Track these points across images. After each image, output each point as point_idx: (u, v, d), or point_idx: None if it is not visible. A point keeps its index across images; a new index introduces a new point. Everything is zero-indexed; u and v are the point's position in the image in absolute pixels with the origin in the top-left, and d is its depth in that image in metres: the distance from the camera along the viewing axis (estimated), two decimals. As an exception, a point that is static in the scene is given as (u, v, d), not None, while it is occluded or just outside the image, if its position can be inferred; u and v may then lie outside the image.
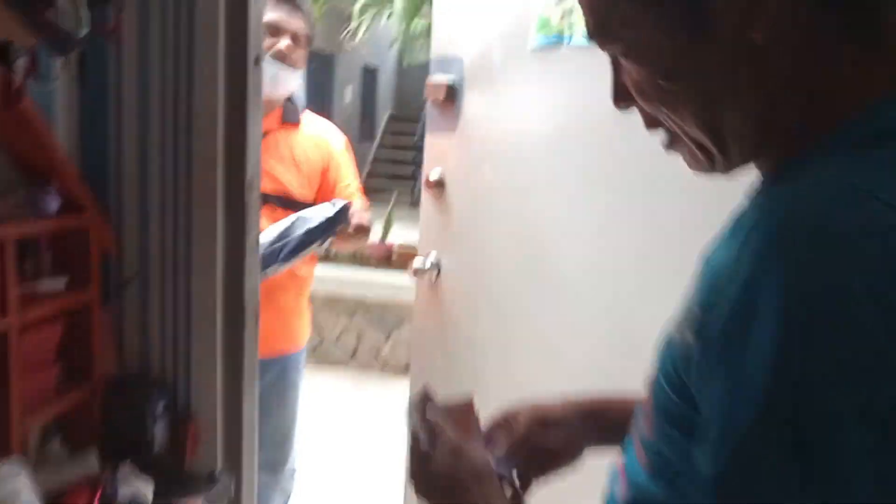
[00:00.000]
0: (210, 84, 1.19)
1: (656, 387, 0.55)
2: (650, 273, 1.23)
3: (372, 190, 3.48)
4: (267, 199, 1.58)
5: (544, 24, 1.37)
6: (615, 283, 1.30)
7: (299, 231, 1.62)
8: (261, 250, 1.41)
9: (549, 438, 0.75)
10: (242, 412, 1.31)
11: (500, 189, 1.50)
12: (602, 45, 0.55)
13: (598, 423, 0.76)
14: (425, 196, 1.70)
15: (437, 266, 1.67)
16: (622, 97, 0.56)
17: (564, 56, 1.34)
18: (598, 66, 1.25)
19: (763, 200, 0.48)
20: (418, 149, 7.99)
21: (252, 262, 1.29)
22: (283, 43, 1.67)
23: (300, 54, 1.72)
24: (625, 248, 1.28)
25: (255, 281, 1.31)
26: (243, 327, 1.29)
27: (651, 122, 0.56)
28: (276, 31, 1.66)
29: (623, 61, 0.54)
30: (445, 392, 0.73)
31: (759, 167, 0.54)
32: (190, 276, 1.24)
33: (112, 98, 1.22)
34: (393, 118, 11.99)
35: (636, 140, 1.22)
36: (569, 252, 1.38)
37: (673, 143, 0.56)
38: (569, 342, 1.38)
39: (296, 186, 1.75)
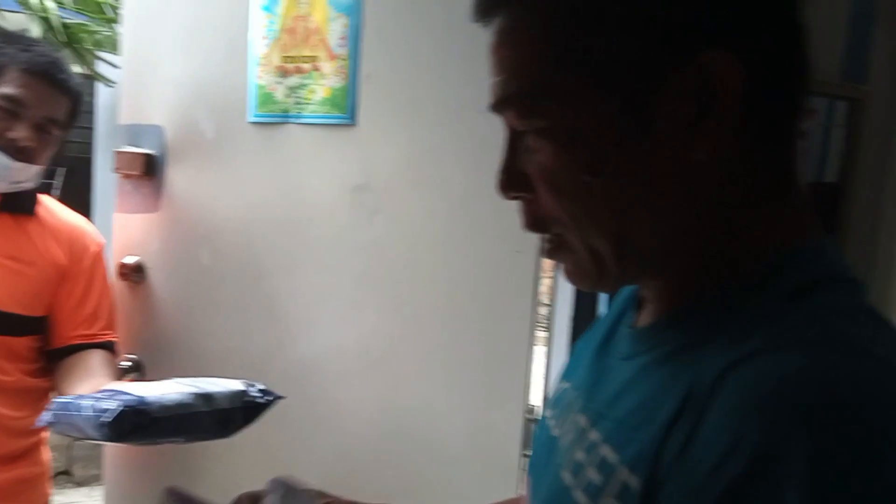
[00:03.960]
0: None
1: None
2: (405, 362, 1.20)
3: None
4: None
5: (266, 100, 1.26)
6: (361, 380, 1.23)
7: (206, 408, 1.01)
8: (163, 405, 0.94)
9: None
10: None
11: (225, 276, 1.32)
12: (515, 118, 0.46)
13: None
14: (118, 288, 1.42)
15: (138, 370, 1.40)
16: (514, 185, 0.48)
17: (293, 134, 1.25)
18: (333, 144, 1.23)
19: (749, 357, 0.39)
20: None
21: None
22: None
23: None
24: (372, 336, 1.22)
25: None
26: None
27: (536, 223, 0.48)
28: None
29: (536, 143, 0.46)
30: None
31: (657, 293, 0.49)
32: None
33: None
34: None
35: (378, 225, 1.21)
36: (308, 344, 1.27)
37: (557, 249, 0.49)
38: (323, 437, 1.26)
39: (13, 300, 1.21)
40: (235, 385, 1.00)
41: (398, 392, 1.21)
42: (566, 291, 1.84)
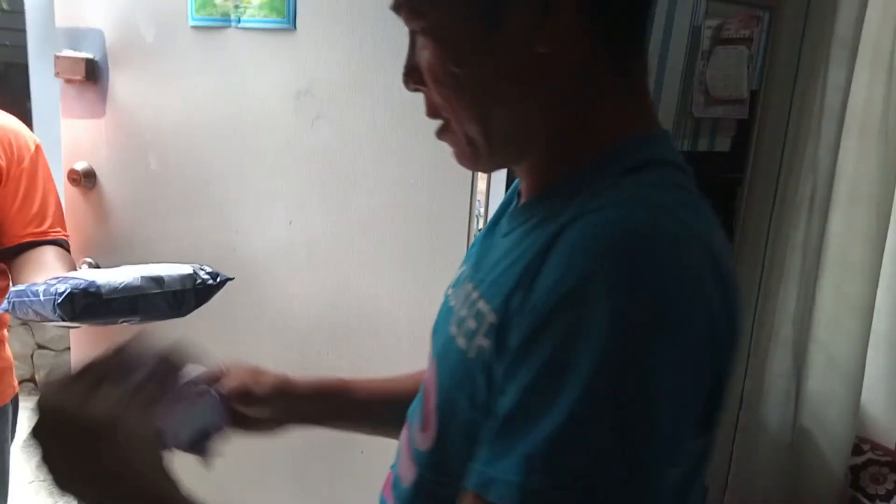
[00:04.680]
0: None
1: (446, 404, 0.56)
2: (351, 259, 1.27)
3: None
4: None
5: (205, 4, 1.26)
6: (312, 276, 1.31)
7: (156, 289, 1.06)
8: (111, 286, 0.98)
9: (248, 408, 0.76)
10: None
11: (173, 180, 1.36)
12: (406, 19, 0.55)
13: (307, 410, 0.79)
14: (70, 193, 1.44)
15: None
16: (413, 77, 0.56)
17: (233, 37, 1.26)
18: (274, 49, 1.25)
19: (579, 216, 0.47)
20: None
21: None
22: None
23: None
24: (320, 236, 1.29)
25: None
26: None
27: (432, 110, 0.57)
28: None
29: (422, 40, 0.54)
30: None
31: (526, 176, 0.58)
32: None
33: None
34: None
35: (321, 129, 1.25)
36: (260, 245, 1.33)
37: (444, 132, 0.57)
38: (279, 329, 1.35)
39: None
40: (185, 269, 1.07)
41: (346, 285, 1.29)
42: (500, 191, 1.92)
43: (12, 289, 1.07)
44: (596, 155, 0.52)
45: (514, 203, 0.62)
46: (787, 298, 1.54)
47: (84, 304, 0.96)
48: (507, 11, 0.50)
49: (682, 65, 2.15)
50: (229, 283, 1.11)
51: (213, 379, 0.76)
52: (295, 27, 1.22)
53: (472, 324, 0.53)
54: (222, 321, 1.34)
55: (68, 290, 0.95)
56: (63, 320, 0.98)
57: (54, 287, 0.96)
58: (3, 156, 1.26)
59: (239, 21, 1.25)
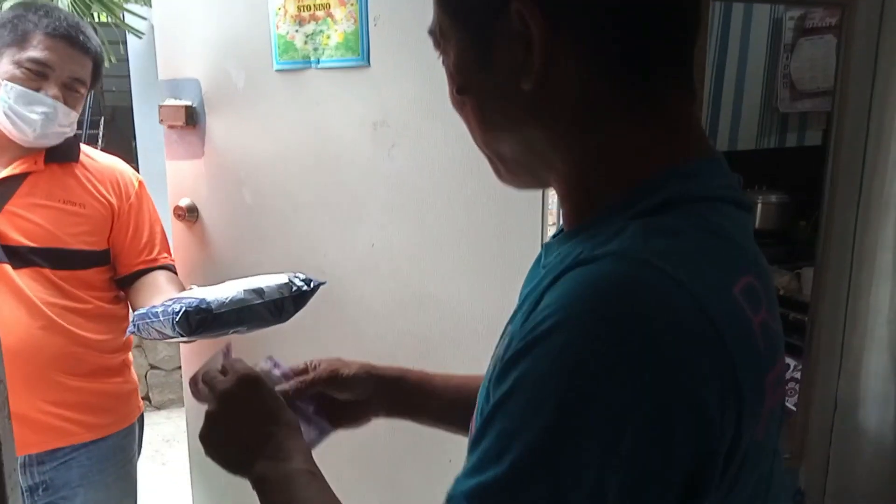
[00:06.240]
0: None
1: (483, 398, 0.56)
2: (430, 275, 1.34)
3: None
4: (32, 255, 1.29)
5: (287, 48, 1.37)
6: (393, 294, 1.39)
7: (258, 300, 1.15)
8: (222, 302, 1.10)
9: (338, 391, 0.82)
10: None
11: (266, 212, 1.48)
12: (436, 49, 0.60)
13: (392, 394, 0.84)
14: (176, 227, 1.59)
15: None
16: (456, 106, 0.60)
17: (314, 77, 1.37)
18: (351, 85, 1.34)
19: (569, 254, 0.50)
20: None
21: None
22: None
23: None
24: (399, 255, 1.37)
25: None
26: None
27: None
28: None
29: (445, 69, 0.58)
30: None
31: (563, 209, 0.58)
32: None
33: None
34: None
35: (398, 157, 1.33)
36: (346, 266, 1.42)
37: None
38: (353, 353, 1.43)
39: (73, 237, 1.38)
40: (281, 278, 1.17)
41: (426, 300, 1.36)
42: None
43: (135, 313, 1.20)
44: (619, 194, 0.52)
45: (554, 236, 0.64)
46: (879, 297, 1.49)
47: (198, 320, 1.07)
48: (493, 50, 0.53)
49: (765, 59, 2.09)
50: (320, 305, 1.19)
51: (300, 372, 0.83)
52: (369, 63, 1.31)
53: (500, 350, 0.55)
54: (314, 336, 1.44)
55: (183, 309, 1.06)
56: (182, 336, 1.09)
57: (171, 307, 1.08)
58: (113, 194, 1.42)
59: (318, 62, 1.35)
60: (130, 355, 1.51)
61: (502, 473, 0.43)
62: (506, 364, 0.46)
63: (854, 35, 1.38)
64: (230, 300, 1.10)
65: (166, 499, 2.76)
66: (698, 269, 0.46)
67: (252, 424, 0.70)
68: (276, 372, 0.82)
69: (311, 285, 1.18)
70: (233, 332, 1.13)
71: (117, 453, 1.47)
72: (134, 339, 1.55)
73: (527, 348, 0.45)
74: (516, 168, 0.58)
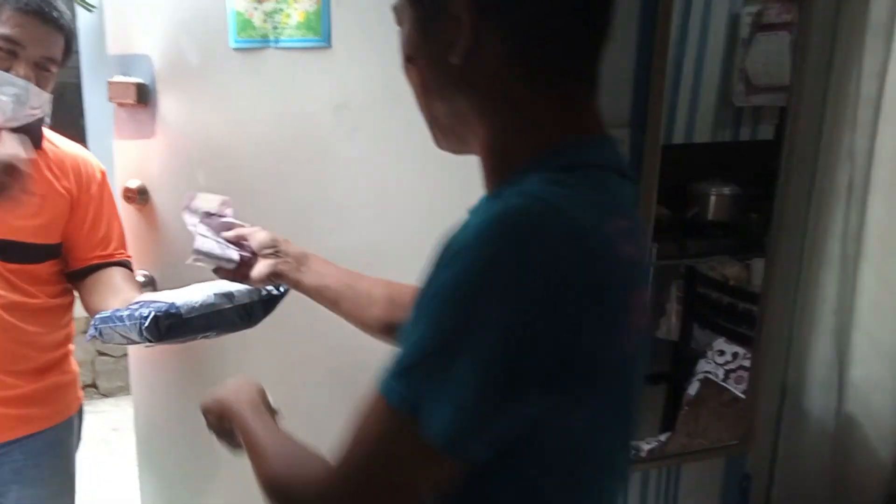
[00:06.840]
0: None
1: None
2: (391, 265, 1.32)
3: None
4: None
5: (245, 26, 1.33)
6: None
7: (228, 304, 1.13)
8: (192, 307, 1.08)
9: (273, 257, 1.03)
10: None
11: (220, 195, 1.43)
12: (396, 22, 0.68)
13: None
14: (125, 210, 1.53)
15: (151, 285, 1.53)
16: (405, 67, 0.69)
17: (273, 57, 1.33)
18: (311, 66, 1.30)
19: (486, 202, 0.63)
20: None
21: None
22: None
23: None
24: (360, 244, 1.35)
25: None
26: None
27: None
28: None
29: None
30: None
31: (483, 174, 0.67)
32: None
33: None
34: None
35: (360, 141, 1.30)
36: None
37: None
38: (327, 328, 1.41)
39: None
40: None
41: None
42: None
43: (97, 315, 1.13)
44: (529, 160, 0.62)
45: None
46: (827, 286, 1.53)
47: (168, 325, 1.03)
48: (434, 27, 0.63)
49: (721, 54, 2.12)
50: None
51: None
52: (330, 45, 1.27)
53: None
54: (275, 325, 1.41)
55: (152, 314, 1.01)
56: (150, 342, 1.04)
57: (138, 311, 1.03)
58: (73, 183, 1.34)
59: (277, 41, 1.31)
60: (71, 346, 1.45)
61: (420, 355, 0.56)
62: (427, 280, 0.57)
63: (810, 29, 1.41)
64: (200, 304, 1.06)
65: (113, 487, 2.69)
66: (580, 207, 0.57)
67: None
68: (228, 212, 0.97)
69: (281, 289, 1.15)
70: (201, 338, 1.10)
71: (54, 447, 1.39)
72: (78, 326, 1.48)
73: (443, 262, 0.56)
74: (449, 133, 0.68)
